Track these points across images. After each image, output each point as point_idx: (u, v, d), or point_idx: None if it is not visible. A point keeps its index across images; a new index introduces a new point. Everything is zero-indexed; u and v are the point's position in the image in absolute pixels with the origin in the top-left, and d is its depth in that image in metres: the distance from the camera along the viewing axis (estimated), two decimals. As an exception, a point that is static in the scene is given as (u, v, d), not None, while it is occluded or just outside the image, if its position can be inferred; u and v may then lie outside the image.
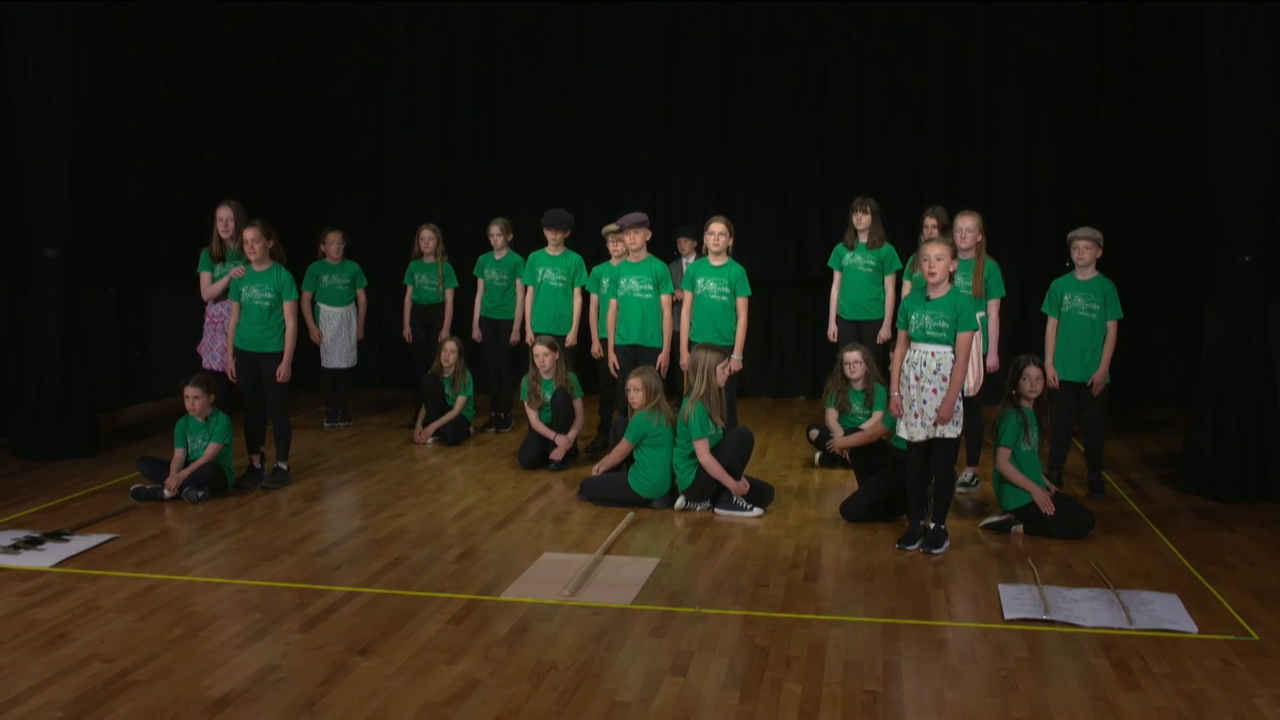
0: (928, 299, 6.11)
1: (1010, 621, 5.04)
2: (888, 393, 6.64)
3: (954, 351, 6.02)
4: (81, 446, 8.27)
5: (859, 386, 8.08)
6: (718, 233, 7.59)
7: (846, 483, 7.65)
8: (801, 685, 4.35)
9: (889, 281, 8.56)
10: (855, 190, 10.08)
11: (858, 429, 7.74)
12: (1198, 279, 10.38)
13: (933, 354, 6.04)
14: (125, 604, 5.19)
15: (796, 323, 11.33)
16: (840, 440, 7.57)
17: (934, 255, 6.07)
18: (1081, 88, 10.64)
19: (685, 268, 9.73)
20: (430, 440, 8.94)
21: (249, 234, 7.33)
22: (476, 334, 9.41)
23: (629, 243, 7.99)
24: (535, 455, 8.08)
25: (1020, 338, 10.19)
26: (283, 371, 7.36)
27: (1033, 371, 6.56)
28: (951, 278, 6.16)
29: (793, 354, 11.39)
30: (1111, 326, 7.21)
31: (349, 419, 9.76)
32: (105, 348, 9.51)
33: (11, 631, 4.85)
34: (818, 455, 8.23)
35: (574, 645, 4.74)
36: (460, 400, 8.98)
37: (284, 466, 7.59)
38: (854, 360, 8.03)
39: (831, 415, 8.15)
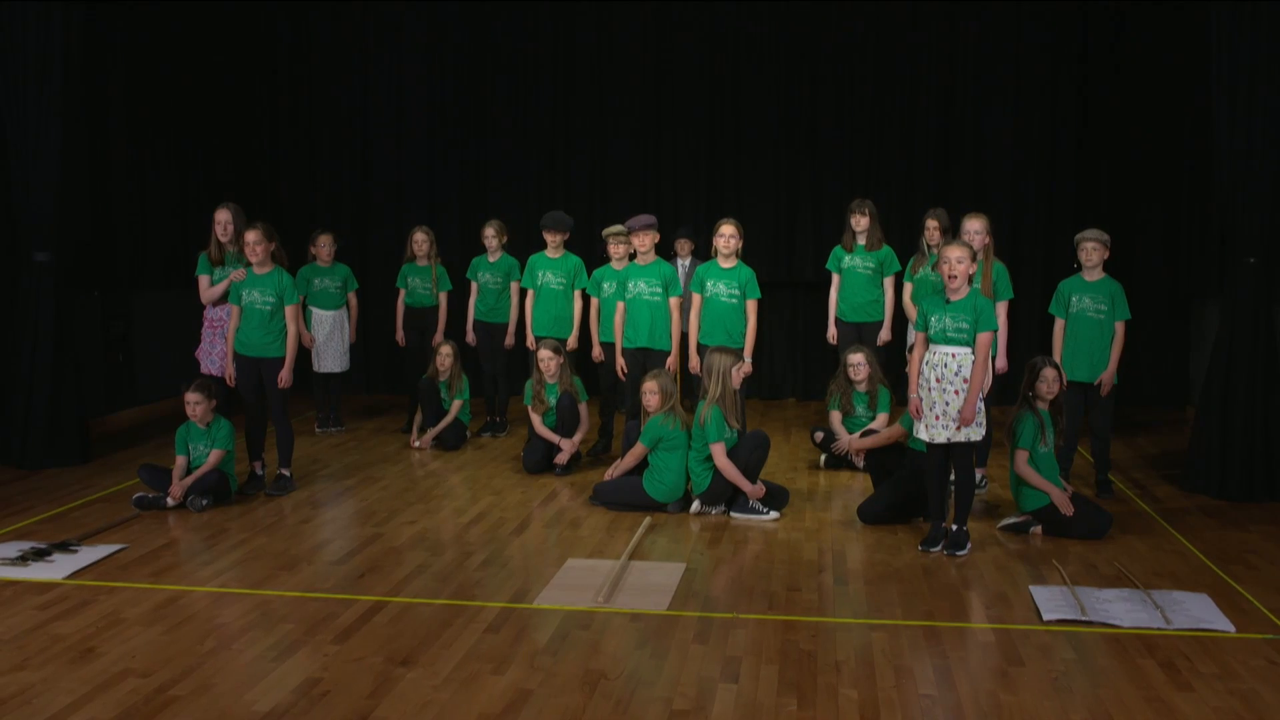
0: (947, 301, 6.10)
1: (1049, 623, 5.04)
2: (905, 395, 6.62)
3: (974, 352, 6.02)
4: (73, 454, 8.08)
5: (863, 388, 8.08)
6: (728, 235, 7.53)
7: (853, 485, 7.65)
8: (857, 690, 4.31)
9: (888, 283, 8.55)
10: (846, 192, 10.08)
11: (865, 430, 7.73)
12: (1187, 279, 10.48)
13: (953, 355, 6.03)
14: (150, 616, 5.06)
15: (787, 325, 11.31)
16: (856, 441, 7.54)
17: (955, 257, 6.07)
18: (1071, 87, 10.70)
19: (681, 268, 9.74)
20: (429, 445, 8.81)
21: (250, 236, 7.18)
22: (470, 337, 9.29)
23: (638, 245, 7.89)
24: (540, 460, 7.98)
25: (1014, 339, 10.18)
26: (284, 377, 7.22)
27: (1049, 373, 6.56)
28: (970, 279, 6.16)
29: (783, 356, 11.38)
30: (1119, 327, 7.24)
31: (342, 424, 9.61)
32: (90, 352, 9.28)
33: (37, 646, 4.70)
34: (823, 457, 8.22)
35: (619, 653, 4.67)
36: (456, 404, 8.86)
37: (287, 473, 7.45)
38: (858, 362, 8.03)
39: (835, 417, 8.15)
